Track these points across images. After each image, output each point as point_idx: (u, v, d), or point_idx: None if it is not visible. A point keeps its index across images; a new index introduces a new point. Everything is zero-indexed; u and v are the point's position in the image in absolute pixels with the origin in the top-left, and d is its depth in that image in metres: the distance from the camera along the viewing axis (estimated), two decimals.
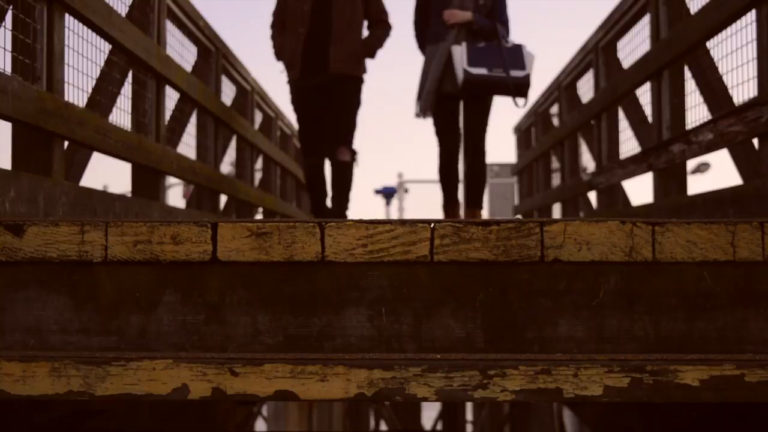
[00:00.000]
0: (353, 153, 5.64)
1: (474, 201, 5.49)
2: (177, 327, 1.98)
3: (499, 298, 1.99)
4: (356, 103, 5.63)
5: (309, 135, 5.69)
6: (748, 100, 3.69)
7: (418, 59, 5.73)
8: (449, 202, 5.51)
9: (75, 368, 1.66)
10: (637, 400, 1.65)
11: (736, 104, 3.87)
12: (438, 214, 6.30)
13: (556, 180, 8.67)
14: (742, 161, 3.92)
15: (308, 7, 5.48)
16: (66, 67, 3.52)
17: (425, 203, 18.97)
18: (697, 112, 4.48)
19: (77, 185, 3.74)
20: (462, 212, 5.55)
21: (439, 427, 9.55)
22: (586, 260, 1.95)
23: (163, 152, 4.74)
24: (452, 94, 5.34)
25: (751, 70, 3.66)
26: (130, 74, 4.44)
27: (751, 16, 3.64)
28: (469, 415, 10.51)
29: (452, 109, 5.40)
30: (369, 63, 5.70)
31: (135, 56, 4.25)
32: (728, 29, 3.91)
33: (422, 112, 5.44)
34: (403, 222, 2.00)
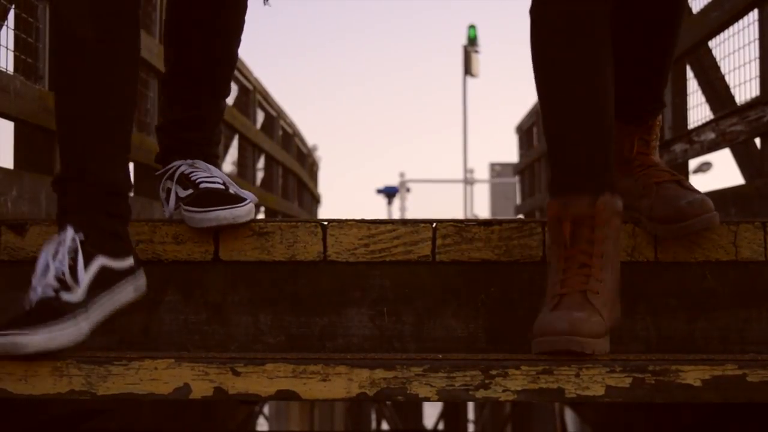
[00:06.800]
0: None
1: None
2: (179, 327, 1.98)
3: (501, 298, 1.98)
4: None
5: None
6: (750, 100, 3.68)
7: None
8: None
9: (77, 367, 1.66)
10: (638, 400, 1.64)
11: (738, 104, 3.87)
12: (439, 213, 6.17)
13: None
14: (744, 161, 3.92)
15: None
16: None
17: (427, 203, 18.96)
18: (699, 111, 4.47)
19: None
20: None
21: (440, 426, 9.54)
22: None
23: None
24: None
25: (754, 69, 3.66)
26: None
27: (753, 15, 3.63)
28: (470, 415, 10.51)
29: None
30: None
31: None
32: (730, 29, 3.91)
33: None
34: (404, 222, 2.00)
